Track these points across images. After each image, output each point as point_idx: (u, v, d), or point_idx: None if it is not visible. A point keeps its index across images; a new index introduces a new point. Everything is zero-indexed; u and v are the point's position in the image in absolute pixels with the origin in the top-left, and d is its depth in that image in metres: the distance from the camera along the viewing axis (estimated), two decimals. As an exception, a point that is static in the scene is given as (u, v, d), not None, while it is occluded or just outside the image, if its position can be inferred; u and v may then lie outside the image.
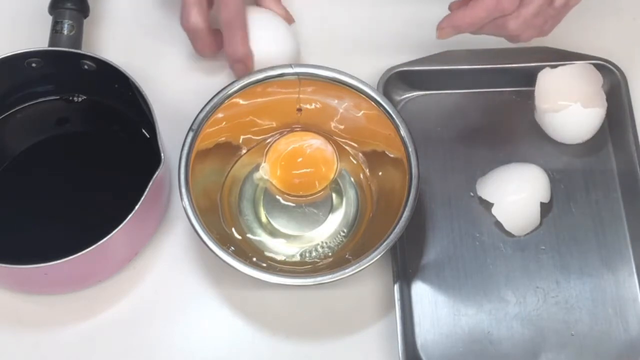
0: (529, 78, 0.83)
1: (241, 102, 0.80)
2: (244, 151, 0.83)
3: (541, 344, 0.76)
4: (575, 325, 0.76)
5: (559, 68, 0.82)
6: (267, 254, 0.79)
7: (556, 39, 0.84)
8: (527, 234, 0.80)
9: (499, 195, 0.80)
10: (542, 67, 0.82)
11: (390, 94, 0.83)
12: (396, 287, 0.76)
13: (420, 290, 0.77)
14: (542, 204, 0.80)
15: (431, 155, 0.82)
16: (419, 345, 0.75)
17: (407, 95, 0.86)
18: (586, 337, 0.76)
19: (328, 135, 0.82)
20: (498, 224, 0.80)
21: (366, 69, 0.84)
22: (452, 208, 0.81)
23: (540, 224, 0.80)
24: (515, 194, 0.80)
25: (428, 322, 0.76)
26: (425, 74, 0.85)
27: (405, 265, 0.78)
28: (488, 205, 0.80)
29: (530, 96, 0.83)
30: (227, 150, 0.82)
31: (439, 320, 0.77)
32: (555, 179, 0.81)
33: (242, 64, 0.81)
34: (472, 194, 0.81)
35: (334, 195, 0.81)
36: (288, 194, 0.81)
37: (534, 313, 0.77)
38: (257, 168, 0.82)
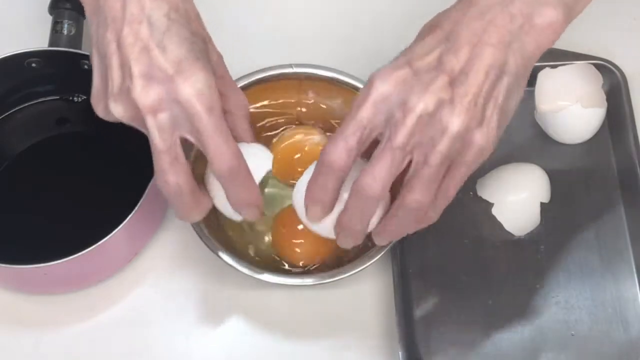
0: (529, 78, 0.82)
1: (241, 102, 0.79)
2: (244, 151, 0.83)
3: (541, 344, 0.76)
4: (575, 325, 0.76)
5: (559, 68, 0.82)
6: (267, 253, 0.79)
7: (556, 39, 0.84)
8: (527, 234, 0.80)
9: (499, 195, 0.80)
10: (542, 67, 0.82)
11: (390, 94, 0.83)
12: (396, 287, 0.76)
13: (420, 290, 0.77)
14: (542, 204, 0.80)
15: (431, 155, 0.82)
16: (419, 345, 0.75)
17: (407, 95, 0.85)
18: (586, 337, 0.76)
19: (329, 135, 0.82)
20: (498, 224, 0.80)
21: (366, 69, 0.83)
22: (452, 208, 0.80)
23: (540, 224, 0.80)
24: (515, 194, 0.80)
25: (428, 322, 0.76)
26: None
27: (405, 265, 0.78)
28: (488, 205, 0.80)
29: (530, 96, 0.83)
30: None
31: (439, 320, 0.76)
32: (555, 179, 0.81)
33: (254, 208, 0.68)
34: (472, 194, 0.81)
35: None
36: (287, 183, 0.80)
37: (534, 313, 0.77)
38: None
